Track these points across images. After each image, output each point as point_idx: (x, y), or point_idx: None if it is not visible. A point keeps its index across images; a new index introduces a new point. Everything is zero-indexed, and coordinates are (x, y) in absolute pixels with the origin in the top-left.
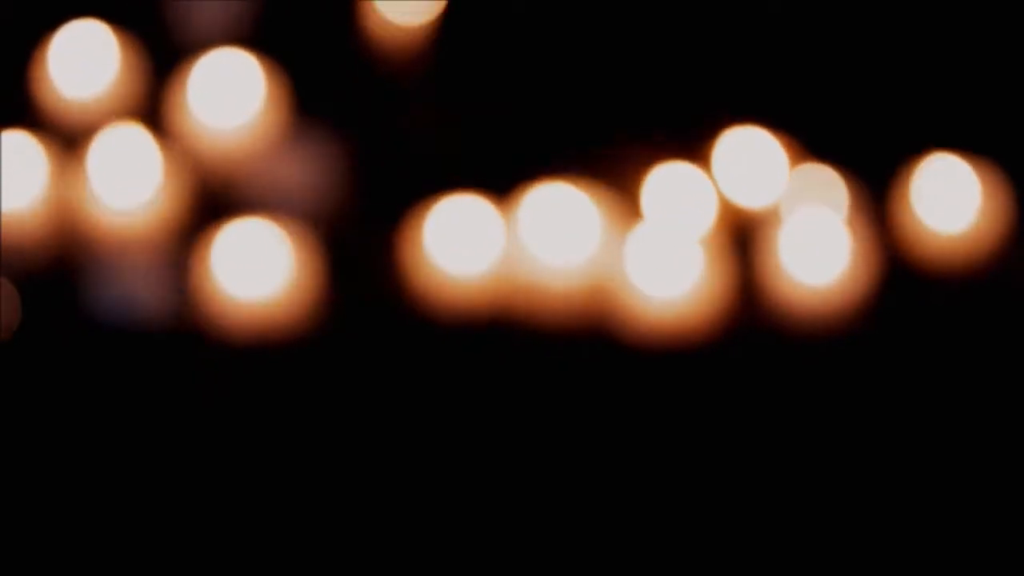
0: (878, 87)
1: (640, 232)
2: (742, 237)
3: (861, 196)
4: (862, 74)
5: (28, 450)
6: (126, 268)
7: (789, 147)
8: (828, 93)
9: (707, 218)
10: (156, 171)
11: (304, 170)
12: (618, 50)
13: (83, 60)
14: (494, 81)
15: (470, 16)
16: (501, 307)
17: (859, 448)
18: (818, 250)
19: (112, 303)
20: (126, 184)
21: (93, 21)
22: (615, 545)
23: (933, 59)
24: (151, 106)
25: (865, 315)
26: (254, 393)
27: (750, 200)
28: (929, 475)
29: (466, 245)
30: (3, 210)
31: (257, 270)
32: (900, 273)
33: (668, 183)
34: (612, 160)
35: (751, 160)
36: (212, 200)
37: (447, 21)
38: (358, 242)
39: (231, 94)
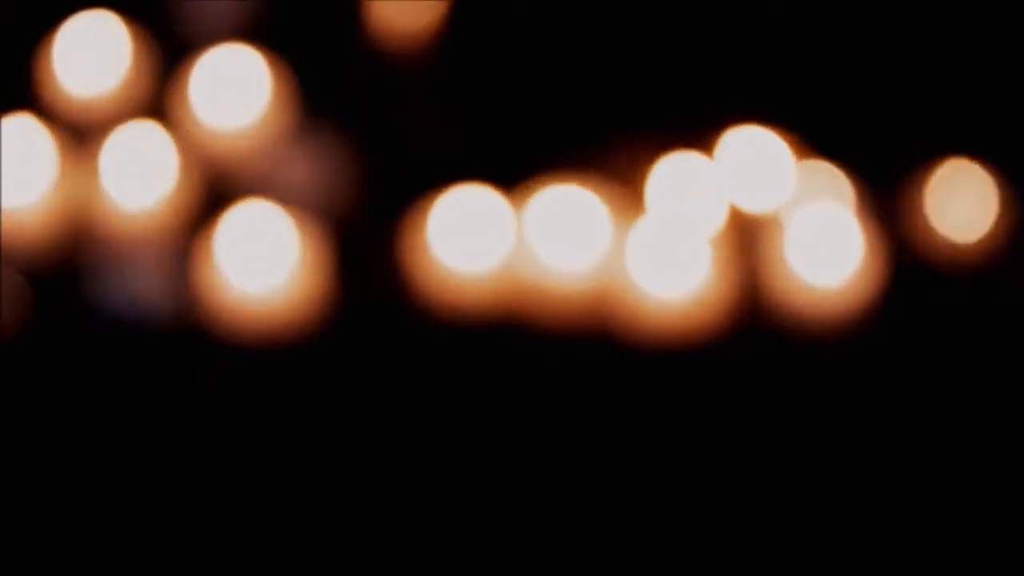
0: (888, 86)
1: (645, 230)
2: (749, 236)
3: (869, 195)
4: (871, 73)
5: (35, 445)
6: (133, 263)
7: (796, 145)
8: (837, 91)
9: (713, 217)
10: (163, 167)
11: (309, 166)
12: (622, 49)
13: (91, 56)
14: (498, 79)
15: (473, 14)
16: (505, 304)
17: (864, 449)
18: (825, 250)
19: (119, 298)
20: (133, 179)
21: (101, 16)
22: (621, 545)
23: (943, 60)
24: (158, 102)
25: (872, 315)
26: (259, 389)
27: (757, 199)
28: (935, 477)
29: (470, 242)
30: (12, 204)
31: (262, 265)
32: (907, 273)
33: (674, 182)
34: (617, 159)
35: (758, 159)
36: (217, 195)
37: (451, 20)
38: (363, 237)
39: (236, 90)
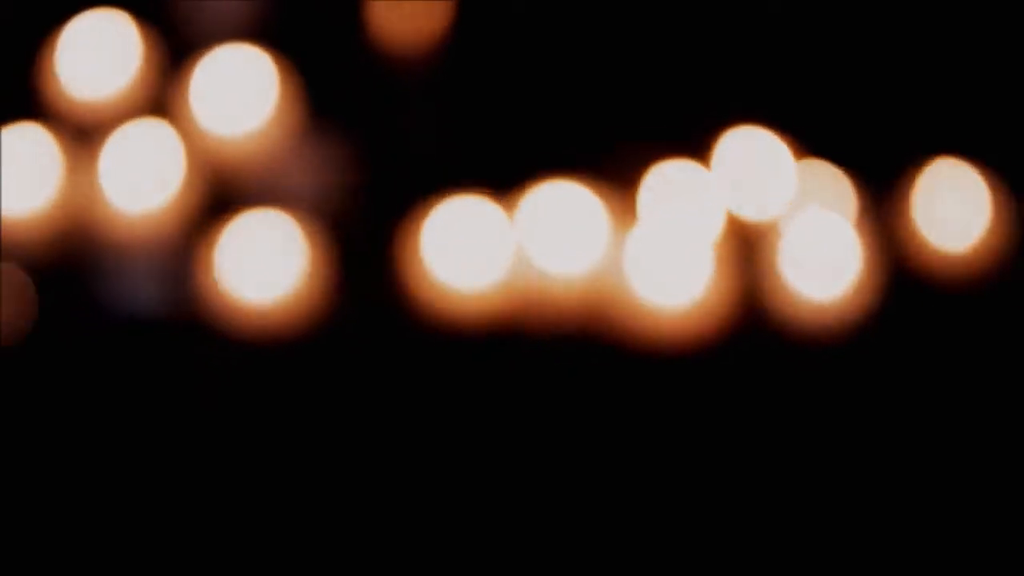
0: (885, 90)
1: (643, 235)
2: (747, 242)
3: (866, 200)
4: (869, 78)
5: (39, 444)
6: (137, 263)
7: (794, 148)
8: (833, 95)
9: (711, 222)
10: (166, 167)
11: (313, 168)
12: (621, 51)
13: (95, 56)
14: (498, 82)
15: (474, 17)
16: (503, 311)
17: (861, 455)
18: (822, 255)
19: (123, 298)
20: (136, 179)
21: (106, 16)
22: (621, 551)
23: (940, 63)
24: (162, 102)
25: (869, 322)
26: (259, 391)
27: (755, 204)
28: (933, 484)
29: (469, 246)
30: (16, 205)
31: (265, 267)
32: (905, 280)
33: (671, 186)
34: (615, 162)
35: (756, 163)
36: (220, 197)
37: (452, 22)
38: (364, 240)
39: (240, 91)
